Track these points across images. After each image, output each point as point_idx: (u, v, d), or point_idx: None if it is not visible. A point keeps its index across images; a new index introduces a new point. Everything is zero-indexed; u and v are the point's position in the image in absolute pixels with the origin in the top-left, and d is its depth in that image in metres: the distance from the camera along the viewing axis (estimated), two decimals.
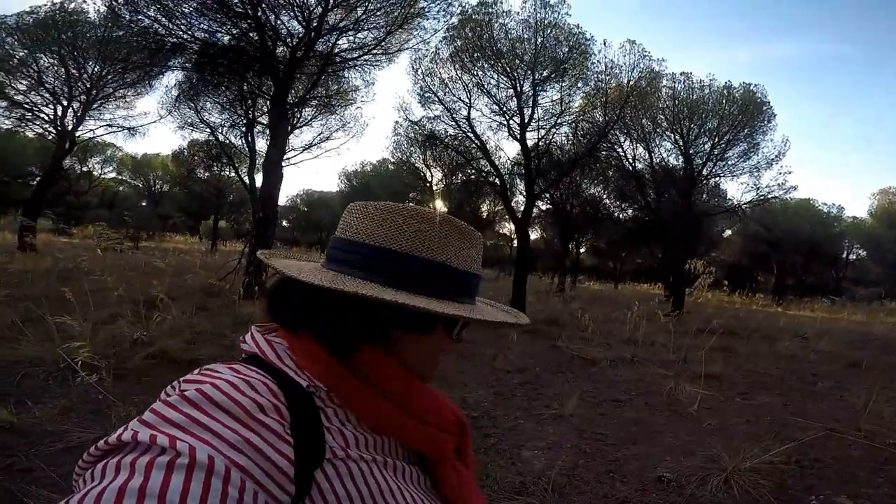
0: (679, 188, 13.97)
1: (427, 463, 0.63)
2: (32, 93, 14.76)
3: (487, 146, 12.21)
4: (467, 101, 12.22)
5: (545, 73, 11.65)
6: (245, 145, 16.75)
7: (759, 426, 4.27)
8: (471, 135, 12.05)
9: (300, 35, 10.54)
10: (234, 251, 20.77)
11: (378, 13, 10.65)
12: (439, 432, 0.61)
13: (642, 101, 13.13)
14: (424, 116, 13.15)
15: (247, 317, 7.29)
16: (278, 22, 10.44)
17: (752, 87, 13.43)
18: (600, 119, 11.53)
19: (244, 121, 15.52)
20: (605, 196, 19.70)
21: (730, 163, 14.50)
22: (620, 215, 21.94)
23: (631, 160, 14.49)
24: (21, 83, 14.47)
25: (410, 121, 13.28)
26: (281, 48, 10.85)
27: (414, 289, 0.58)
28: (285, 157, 20.17)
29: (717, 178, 15.05)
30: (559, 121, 11.76)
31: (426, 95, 12.32)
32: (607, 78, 11.33)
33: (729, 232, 28.77)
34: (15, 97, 14.59)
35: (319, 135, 19.99)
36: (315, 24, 10.34)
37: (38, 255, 12.50)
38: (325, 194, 36.29)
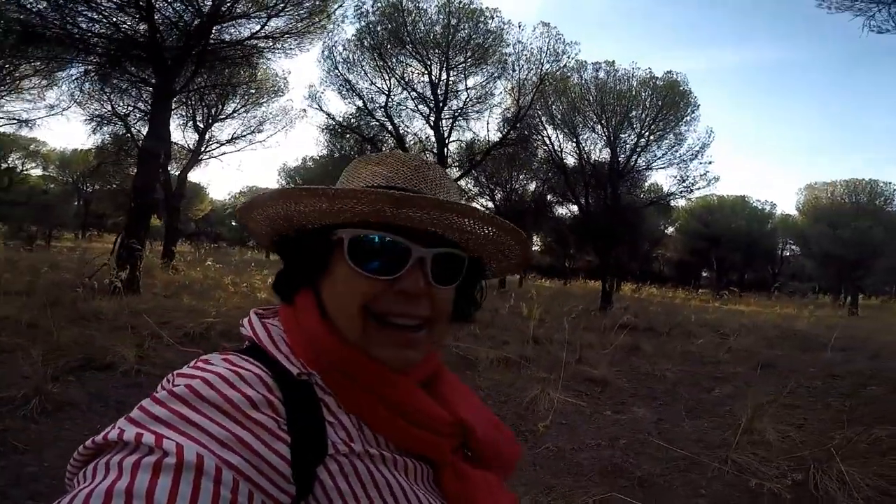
0: (606, 181, 13.49)
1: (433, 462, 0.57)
2: None
3: (403, 134, 11.50)
4: (381, 87, 11.50)
5: (461, 59, 11.00)
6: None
7: (606, 455, 3.49)
8: (384, 119, 11.30)
9: (181, 23, 9.61)
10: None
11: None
12: (422, 431, 0.54)
13: (564, 89, 12.58)
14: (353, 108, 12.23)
15: (91, 311, 6.77)
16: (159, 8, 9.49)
17: (674, 76, 13.21)
18: (512, 106, 10.92)
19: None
20: (544, 191, 19.24)
21: (656, 154, 14.25)
22: (560, 211, 21.60)
23: (559, 152, 13.97)
24: None
25: (319, 108, 12.32)
26: (169, 36, 9.98)
27: None
28: (207, 149, 19.13)
29: (647, 171, 14.70)
30: (475, 108, 11.21)
31: (336, 79, 11.49)
32: (524, 63, 10.77)
33: (671, 229, 29.09)
34: None
35: (247, 127, 19.00)
36: (196, 9, 9.47)
37: None
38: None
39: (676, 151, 14.03)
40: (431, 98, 11.20)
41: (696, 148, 13.98)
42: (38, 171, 33.89)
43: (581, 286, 27.21)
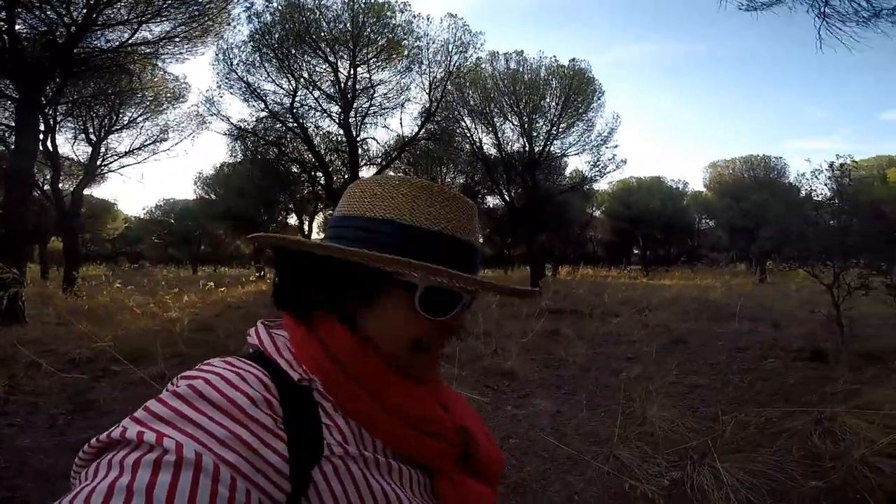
0: (524, 170, 13.63)
1: (429, 470, 0.57)
2: None
3: (312, 136, 11.00)
4: (287, 88, 10.88)
5: (369, 53, 10.64)
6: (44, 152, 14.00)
7: None
8: (291, 123, 10.73)
9: (49, 34, 8.68)
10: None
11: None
12: (423, 437, 0.55)
13: (476, 80, 12.54)
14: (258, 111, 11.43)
15: None
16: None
17: (578, 63, 13.48)
18: (426, 100, 10.75)
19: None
20: (472, 184, 19.31)
21: (569, 141, 14.56)
22: (494, 202, 21.83)
23: (478, 144, 13.95)
24: None
25: (217, 113, 11.55)
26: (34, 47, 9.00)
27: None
28: (104, 163, 17.53)
29: (563, 158, 15.03)
30: (389, 105, 10.94)
31: (235, 82, 10.76)
32: (432, 55, 10.58)
33: (598, 212, 30.34)
34: None
35: (149, 136, 17.59)
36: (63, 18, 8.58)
37: None
38: (188, 202, 32.44)
39: (588, 137, 14.41)
40: (339, 97, 10.77)
41: (605, 133, 14.45)
42: None
43: (520, 273, 27.76)
